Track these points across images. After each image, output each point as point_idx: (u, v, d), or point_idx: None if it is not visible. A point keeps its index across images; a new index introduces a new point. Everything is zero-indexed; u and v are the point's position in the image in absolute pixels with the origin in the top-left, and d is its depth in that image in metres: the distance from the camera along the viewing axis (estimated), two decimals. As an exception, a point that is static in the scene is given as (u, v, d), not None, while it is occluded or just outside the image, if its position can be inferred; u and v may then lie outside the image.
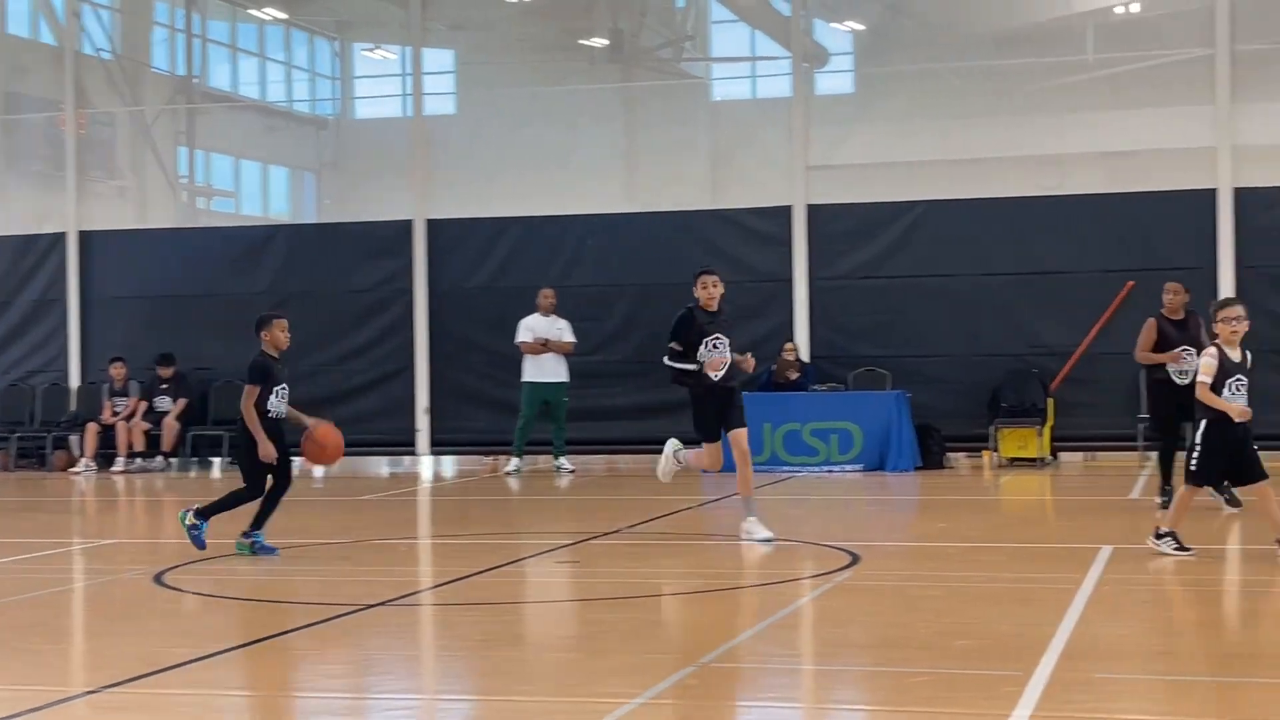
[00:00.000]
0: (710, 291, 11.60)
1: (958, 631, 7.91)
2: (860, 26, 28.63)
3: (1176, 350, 12.96)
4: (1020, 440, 18.59)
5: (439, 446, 21.40)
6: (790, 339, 19.56)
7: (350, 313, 21.44)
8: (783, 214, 20.23)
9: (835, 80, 30.74)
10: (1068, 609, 8.37)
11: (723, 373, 11.39)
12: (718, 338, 11.44)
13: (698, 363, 11.34)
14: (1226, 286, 18.47)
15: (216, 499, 11.31)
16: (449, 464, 21.80)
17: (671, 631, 8.50)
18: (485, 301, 20.92)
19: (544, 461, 19.52)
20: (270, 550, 11.11)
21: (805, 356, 19.62)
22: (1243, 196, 18.80)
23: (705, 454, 11.61)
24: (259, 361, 11.18)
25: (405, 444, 21.38)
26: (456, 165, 22.97)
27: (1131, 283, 18.64)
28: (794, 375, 19.09)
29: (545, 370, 18.98)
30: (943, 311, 19.49)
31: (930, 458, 18.49)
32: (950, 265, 19.53)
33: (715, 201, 22.35)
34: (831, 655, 7.86)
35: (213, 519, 11.13)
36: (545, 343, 18.94)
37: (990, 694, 6.47)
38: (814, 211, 20.13)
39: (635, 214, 22.13)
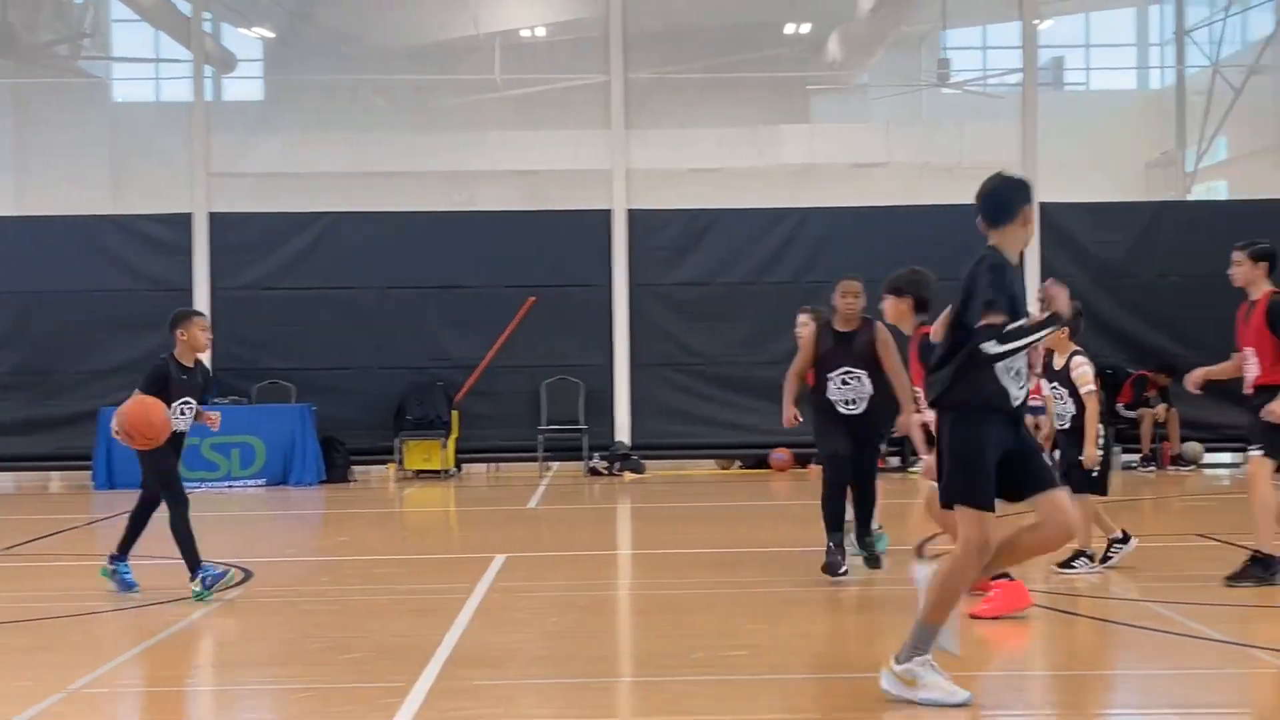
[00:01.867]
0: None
1: (346, 645, 7.87)
2: (270, 34, 28.32)
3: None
4: (425, 452, 18.83)
5: None
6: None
7: None
8: (183, 221, 19.63)
9: (244, 87, 30.30)
10: (456, 618, 8.51)
11: None
12: None
13: None
14: (621, 303, 19.39)
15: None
16: None
17: (44, 656, 8.02)
18: None
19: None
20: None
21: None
22: (636, 217, 19.74)
23: None
24: (159, 369, 9.55)
25: None
26: None
27: (533, 298, 19.28)
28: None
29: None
30: (350, 323, 19.44)
31: (335, 471, 18.44)
32: (358, 277, 19.51)
33: (115, 207, 21.48)
34: (211, 675, 7.66)
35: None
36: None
37: (371, 705, 6.47)
38: (216, 220, 19.62)
39: (25, 218, 21.03)
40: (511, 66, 27.49)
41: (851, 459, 10.24)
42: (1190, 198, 27.22)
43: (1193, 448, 18.78)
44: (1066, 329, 9.28)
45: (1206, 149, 27.89)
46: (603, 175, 20.39)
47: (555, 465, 19.68)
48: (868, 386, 10.29)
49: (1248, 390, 9.73)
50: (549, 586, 10.10)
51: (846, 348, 10.31)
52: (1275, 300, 9.65)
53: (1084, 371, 10.11)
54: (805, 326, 10.94)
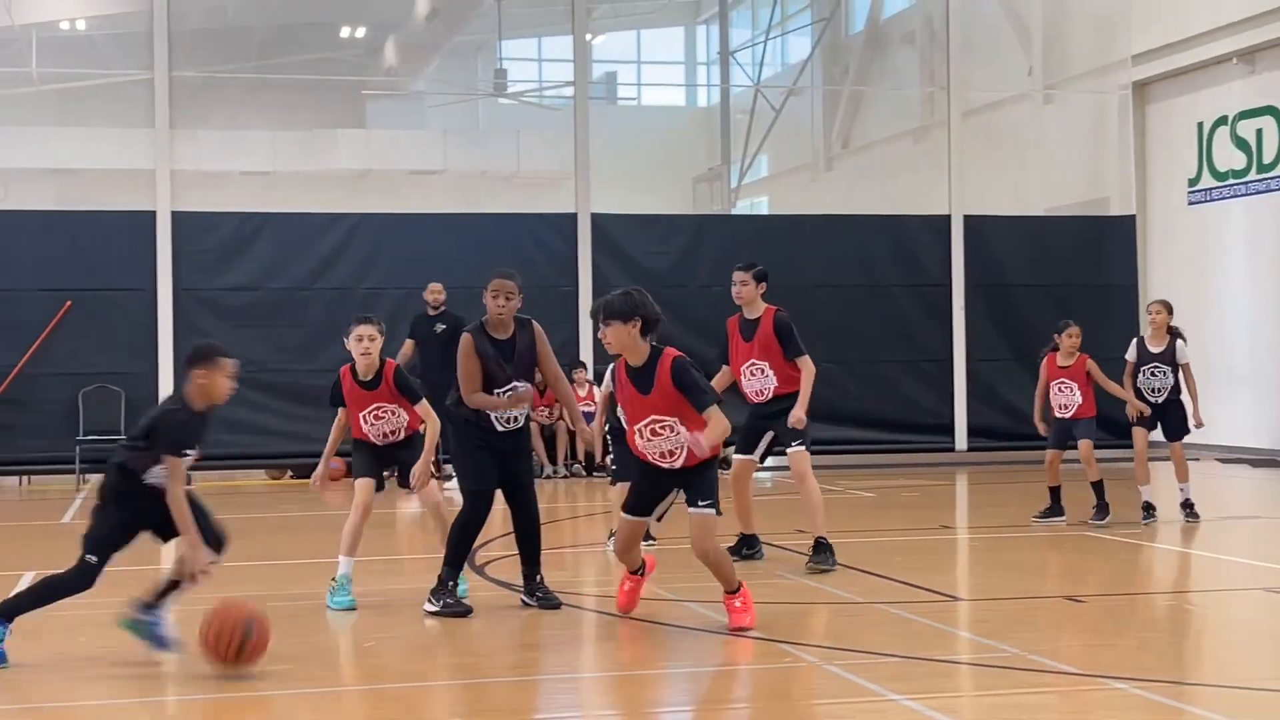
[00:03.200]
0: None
1: None
2: None
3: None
4: (-52, 466, 17.73)
5: None
6: None
7: None
8: None
9: None
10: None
11: None
12: None
13: None
14: (165, 308, 18.73)
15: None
16: None
17: None
18: None
19: None
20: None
21: None
22: (181, 219, 19.11)
23: None
24: (178, 419, 7.52)
25: None
26: None
27: (69, 302, 18.43)
28: None
29: None
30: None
31: None
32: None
33: None
34: None
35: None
36: None
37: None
38: None
39: None
40: (49, 60, 26.28)
41: (506, 486, 8.92)
42: (734, 211, 28.40)
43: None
44: None
45: (749, 165, 29.18)
46: (146, 175, 19.67)
47: (93, 478, 18.82)
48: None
49: (759, 399, 10.54)
50: (77, 604, 9.63)
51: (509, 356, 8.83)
52: (780, 317, 10.52)
53: None
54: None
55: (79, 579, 7.55)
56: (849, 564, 10.53)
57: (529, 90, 32.46)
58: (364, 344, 9.13)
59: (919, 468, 19.59)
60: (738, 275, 10.62)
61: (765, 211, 31.15)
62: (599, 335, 8.35)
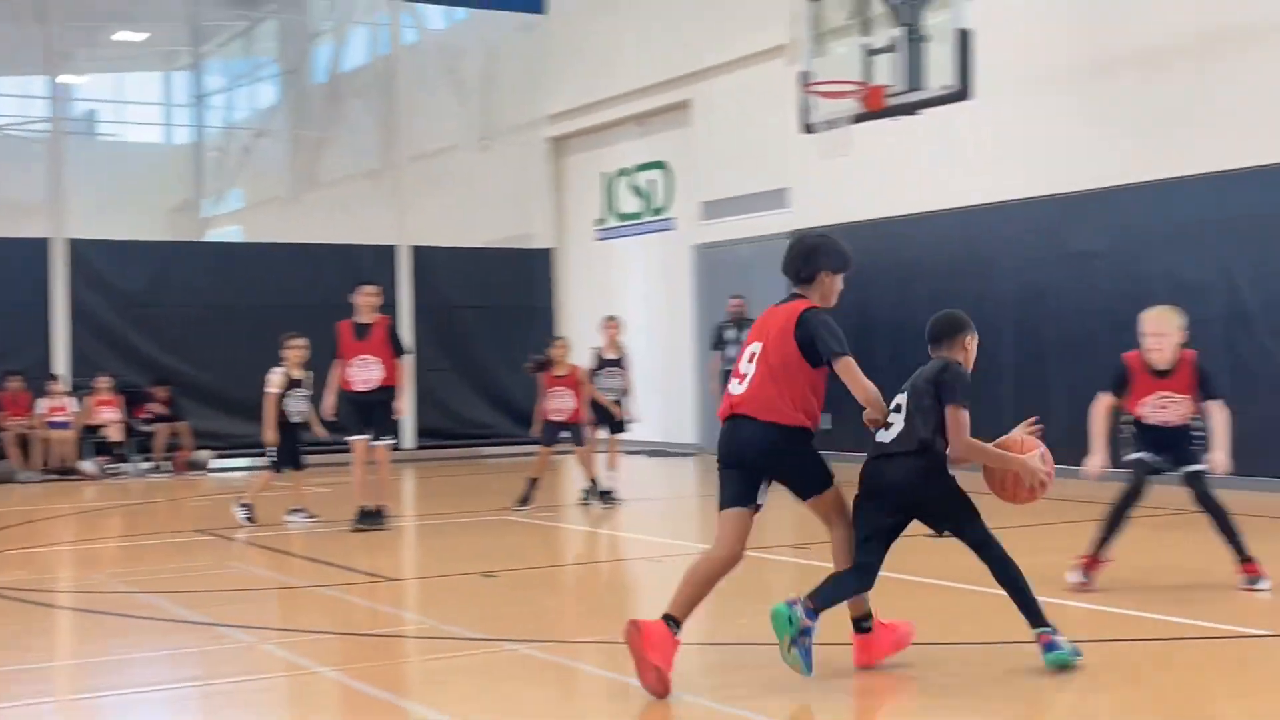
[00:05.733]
0: None
1: None
2: None
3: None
4: None
5: None
6: None
7: None
8: None
9: None
10: None
11: None
12: None
13: None
14: None
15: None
16: None
17: None
18: None
19: None
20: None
21: None
22: None
23: None
24: None
25: None
26: None
27: None
28: None
29: None
30: None
31: None
32: None
33: None
34: None
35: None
36: None
37: None
38: None
39: None
40: None
41: None
42: (206, 239, 27.51)
43: (202, 455, 19.03)
44: None
45: (222, 198, 28.39)
46: None
47: None
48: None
49: (366, 388, 11.75)
50: None
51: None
52: (390, 325, 12.18)
53: None
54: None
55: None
56: (298, 552, 10.40)
57: (13, 124, 30.33)
58: None
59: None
60: (367, 289, 12.00)
61: (239, 239, 30.33)
62: None
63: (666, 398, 20.61)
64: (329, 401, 11.99)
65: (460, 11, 24.02)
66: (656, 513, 14.16)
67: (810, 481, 6.01)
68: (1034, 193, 15.59)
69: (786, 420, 5.83)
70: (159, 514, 14.65)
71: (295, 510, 12.30)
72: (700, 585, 5.90)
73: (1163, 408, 8.02)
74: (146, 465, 18.53)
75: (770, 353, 5.88)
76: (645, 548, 11.19)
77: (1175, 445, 8.04)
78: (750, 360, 5.93)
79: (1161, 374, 8.03)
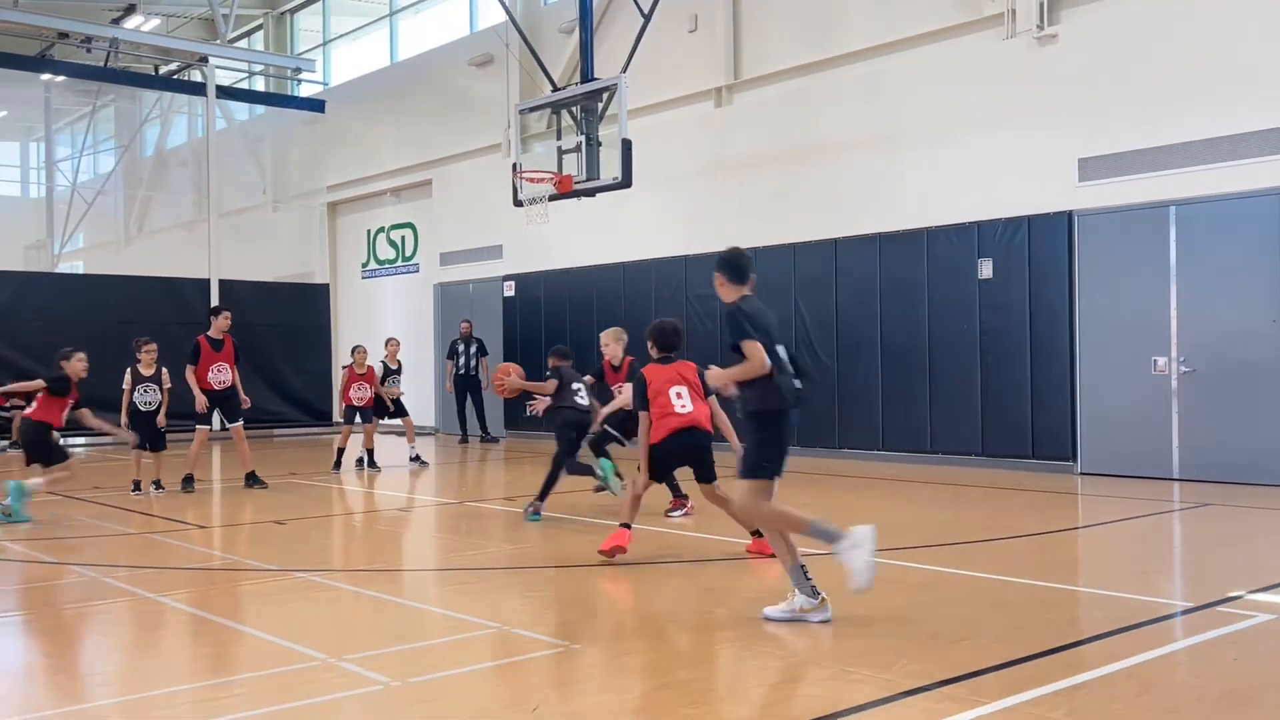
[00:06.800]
0: None
1: None
2: None
3: None
4: None
5: None
6: None
7: None
8: None
9: None
10: None
11: None
12: None
13: None
14: None
15: None
16: None
17: None
18: None
19: None
20: None
21: None
22: None
23: None
24: None
25: None
26: None
27: None
28: None
29: None
30: None
31: None
32: None
33: None
34: None
35: None
36: None
37: None
38: None
39: None
40: None
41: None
42: (57, 271, 25.43)
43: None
44: None
45: (68, 240, 26.35)
46: None
47: None
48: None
49: (221, 387, 11.37)
50: None
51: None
52: (234, 341, 11.64)
53: None
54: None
55: None
56: (140, 510, 9.68)
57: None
58: None
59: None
60: (224, 312, 11.49)
61: (82, 272, 28.15)
62: None
63: (415, 393, 20.26)
64: (200, 400, 11.26)
65: (260, 107, 23.15)
66: (406, 476, 13.97)
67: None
68: (671, 253, 16.11)
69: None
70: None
71: (156, 484, 11.35)
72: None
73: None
74: (4, 443, 16.92)
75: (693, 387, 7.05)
76: (396, 501, 11.01)
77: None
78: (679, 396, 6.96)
79: (617, 370, 9.10)
